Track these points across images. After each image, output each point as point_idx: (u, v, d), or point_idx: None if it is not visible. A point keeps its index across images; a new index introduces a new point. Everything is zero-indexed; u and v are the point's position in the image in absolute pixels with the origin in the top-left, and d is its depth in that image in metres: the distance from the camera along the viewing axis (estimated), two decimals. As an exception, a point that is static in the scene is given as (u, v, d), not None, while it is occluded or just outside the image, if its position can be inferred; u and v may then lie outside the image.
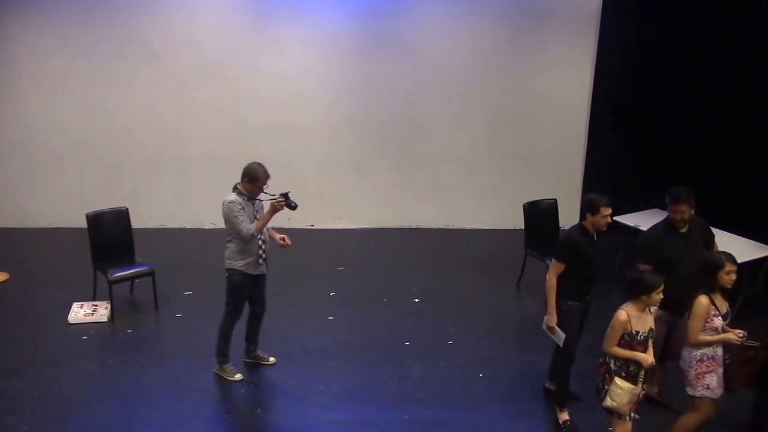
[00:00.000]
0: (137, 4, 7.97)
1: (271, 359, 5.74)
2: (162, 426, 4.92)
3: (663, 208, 7.44)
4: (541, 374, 5.64)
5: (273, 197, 5.10)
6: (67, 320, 6.31)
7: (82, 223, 6.50)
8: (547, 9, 8.24)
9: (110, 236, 6.54)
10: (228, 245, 5.28)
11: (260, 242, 5.26)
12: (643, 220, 7.20)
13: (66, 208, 8.38)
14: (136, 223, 6.87)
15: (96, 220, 6.48)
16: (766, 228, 6.86)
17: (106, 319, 6.35)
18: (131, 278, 6.64)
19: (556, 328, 4.83)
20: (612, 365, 4.24)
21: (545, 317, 4.90)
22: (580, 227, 4.82)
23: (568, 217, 8.62)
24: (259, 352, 5.73)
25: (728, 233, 6.84)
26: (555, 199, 7.24)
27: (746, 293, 6.47)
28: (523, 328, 6.68)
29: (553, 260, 4.83)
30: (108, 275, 6.35)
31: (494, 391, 5.43)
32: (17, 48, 8.04)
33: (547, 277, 4.85)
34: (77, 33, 8.02)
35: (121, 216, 6.63)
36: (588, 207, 4.77)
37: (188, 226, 8.76)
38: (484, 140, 8.70)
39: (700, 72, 8.15)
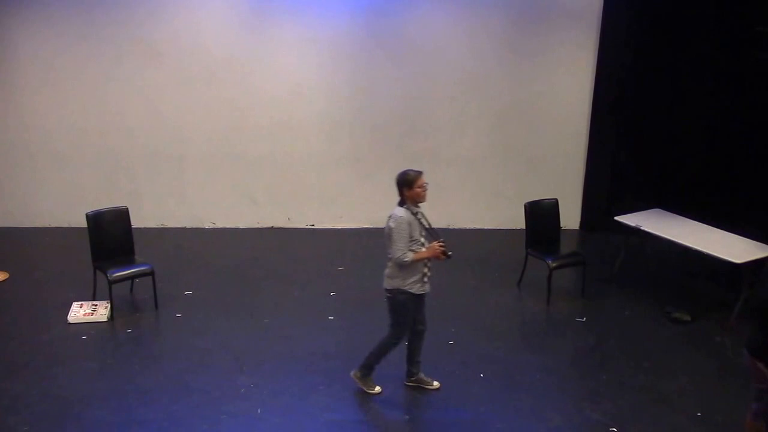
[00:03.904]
0: (138, 3, 7.95)
1: (435, 383, 5.40)
2: (161, 426, 4.91)
3: (663, 207, 7.52)
4: (541, 374, 5.64)
5: (439, 241, 4.83)
6: (67, 320, 6.31)
7: (82, 223, 6.49)
8: (548, 9, 8.23)
9: (110, 236, 6.53)
10: (390, 263, 4.94)
11: (426, 260, 4.94)
12: (643, 220, 7.20)
13: (66, 208, 8.38)
14: (136, 222, 6.86)
15: (96, 219, 6.47)
16: (766, 228, 6.86)
17: (105, 319, 6.35)
18: (131, 278, 6.63)
19: None
20: None
21: None
22: None
23: (569, 217, 8.67)
24: (422, 375, 5.38)
25: (728, 233, 6.84)
26: (556, 199, 7.23)
27: (746, 294, 6.46)
28: (524, 328, 6.69)
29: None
30: (108, 275, 6.34)
31: (494, 391, 5.42)
32: (19, 48, 8.03)
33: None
34: (78, 33, 8.01)
35: (121, 216, 6.62)
36: None
37: (188, 225, 8.75)
38: (485, 140, 8.69)
39: (701, 72, 8.15)
